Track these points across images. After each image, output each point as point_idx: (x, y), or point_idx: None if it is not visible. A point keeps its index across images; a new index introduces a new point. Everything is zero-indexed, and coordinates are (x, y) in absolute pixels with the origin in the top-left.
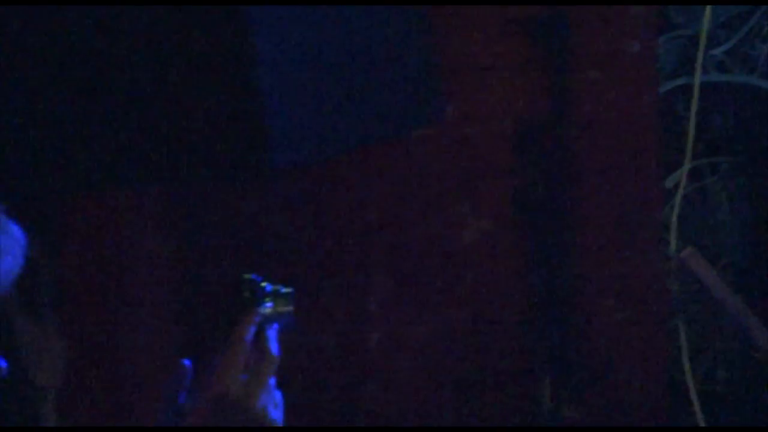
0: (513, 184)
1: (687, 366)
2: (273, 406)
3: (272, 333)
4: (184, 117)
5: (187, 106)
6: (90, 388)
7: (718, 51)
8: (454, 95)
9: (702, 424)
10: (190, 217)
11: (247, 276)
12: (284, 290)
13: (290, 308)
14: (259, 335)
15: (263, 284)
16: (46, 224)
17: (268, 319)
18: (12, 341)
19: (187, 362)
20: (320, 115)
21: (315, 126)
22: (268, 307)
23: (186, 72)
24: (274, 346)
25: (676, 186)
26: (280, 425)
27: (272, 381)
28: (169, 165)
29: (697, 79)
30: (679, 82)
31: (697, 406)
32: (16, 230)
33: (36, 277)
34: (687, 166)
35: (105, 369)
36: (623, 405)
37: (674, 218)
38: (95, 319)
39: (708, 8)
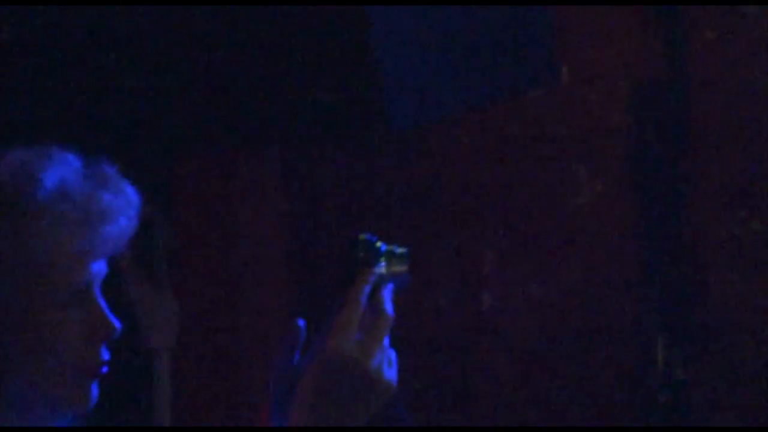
0: (628, 145)
1: None
2: (387, 365)
3: (387, 293)
4: (306, 82)
5: (310, 72)
6: (204, 349)
7: None
8: (569, 56)
9: None
10: (307, 179)
11: (362, 236)
12: (399, 250)
13: (405, 268)
14: (374, 295)
15: (378, 244)
16: (162, 185)
17: (383, 279)
18: (126, 303)
19: (301, 322)
20: (436, 78)
21: (431, 88)
22: (382, 267)
23: (311, 40)
24: (388, 306)
25: None
26: (395, 385)
27: (387, 340)
28: (289, 127)
29: None
30: None
31: None
32: (130, 191)
33: (150, 238)
34: None
35: (219, 330)
36: (736, 368)
37: None
38: (209, 281)
39: None
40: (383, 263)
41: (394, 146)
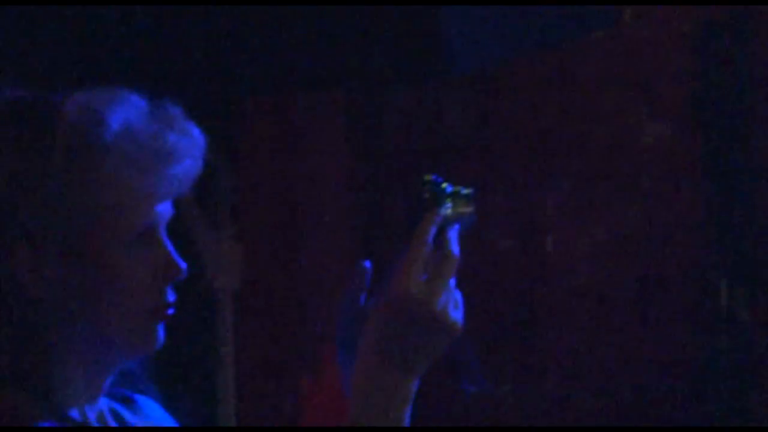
0: (691, 86)
1: None
2: (454, 306)
3: (453, 234)
4: (371, 25)
5: (373, 13)
6: (267, 291)
7: None
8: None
9: None
10: (371, 121)
11: (428, 177)
12: (465, 191)
13: (470, 209)
14: (440, 236)
15: (444, 185)
16: (226, 128)
17: (448, 220)
18: (191, 244)
19: (367, 264)
20: (497, 21)
21: (492, 31)
22: (448, 208)
23: None
24: (454, 247)
25: None
26: (461, 326)
27: (453, 281)
28: (355, 70)
29: None
30: None
31: None
32: (196, 132)
33: (213, 181)
34: None
35: (282, 273)
36: None
37: None
38: (272, 223)
39: None
40: (449, 204)
41: (457, 88)
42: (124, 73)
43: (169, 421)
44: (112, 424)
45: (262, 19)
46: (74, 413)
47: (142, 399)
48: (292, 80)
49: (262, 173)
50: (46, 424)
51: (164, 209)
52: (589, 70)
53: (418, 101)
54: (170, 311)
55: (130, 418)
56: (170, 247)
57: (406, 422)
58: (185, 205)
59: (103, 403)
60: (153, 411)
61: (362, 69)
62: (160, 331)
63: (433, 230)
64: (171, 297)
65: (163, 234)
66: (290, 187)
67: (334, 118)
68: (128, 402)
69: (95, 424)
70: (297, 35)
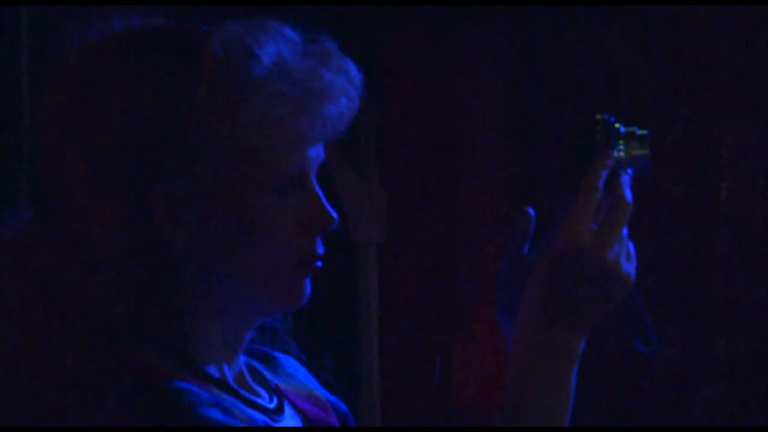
0: None
1: None
2: (626, 257)
3: (626, 179)
4: None
5: None
6: (413, 243)
7: None
8: None
9: None
10: (531, 54)
11: (599, 116)
12: (639, 132)
13: (645, 152)
14: (612, 181)
15: (617, 125)
16: (372, 66)
17: (621, 164)
18: (332, 194)
19: (531, 211)
20: None
21: None
22: (621, 150)
23: None
24: (628, 193)
25: None
26: (633, 279)
27: (625, 231)
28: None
29: None
30: None
31: None
32: (352, 69)
33: (358, 125)
34: None
35: (430, 224)
36: None
37: None
38: (420, 170)
39: None
40: (622, 146)
41: (622, 22)
42: (270, 7)
43: (310, 381)
44: (251, 382)
45: None
46: (212, 370)
47: (282, 357)
48: (443, 16)
49: (410, 115)
50: (183, 382)
51: (316, 153)
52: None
53: (580, 33)
54: (318, 264)
55: (270, 378)
56: (321, 194)
57: (572, 384)
58: (326, 149)
59: (242, 361)
60: (294, 370)
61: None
62: (307, 285)
63: (604, 174)
64: (320, 249)
65: (314, 180)
66: (440, 130)
67: (487, 56)
68: (268, 360)
69: (232, 383)
70: None
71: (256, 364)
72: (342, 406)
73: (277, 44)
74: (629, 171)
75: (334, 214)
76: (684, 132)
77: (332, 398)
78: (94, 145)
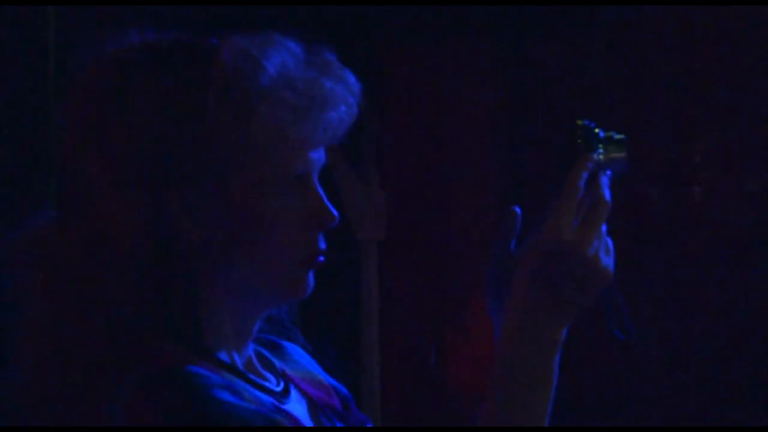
0: None
1: None
2: (605, 252)
3: (605, 179)
4: None
5: None
6: (411, 241)
7: None
8: None
9: None
10: (516, 70)
11: (580, 122)
12: (617, 136)
13: (623, 154)
14: (592, 182)
15: (597, 130)
16: (372, 77)
17: (600, 166)
18: (335, 193)
19: (517, 209)
20: None
21: None
22: (601, 153)
23: None
24: (606, 193)
25: None
26: (612, 273)
27: (604, 227)
28: (495, 21)
29: None
30: None
31: None
32: (351, 78)
33: (359, 128)
34: None
35: (427, 223)
36: None
37: None
38: (417, 172)
39: None
40: (601, 149)
41: (603, 35)
42: (275, 21)
43: (314, 367)
44: (259, 368)
45: None
46: (223, 356)
47: (288, 345)
48: (439, 30)
49: (408, 121)
50: (196, 367)
51: (318, 156)
52: (742, 15)
53: (564, 48)
54: (321, 259)
55: (277, 364)
56: (323, 194)
57: (554, 370)
58: (329, 152)
59: (251, 348)
60: (299, 357)
61: (507, 18)
62: (310, 278)
63: (585, 175)
64: (322, 244)
65: (316, 181)
66: (436, 136)
67: (479, 67)
68: (275, 347)
69: (242, 369)
70: None
71: (264, 351)
72: (344, 390)
73: (282, 56)
74: (608, 172)
75: (335, 213)
76: (659, 137)
77: (335, 383)
78: (113, 151)
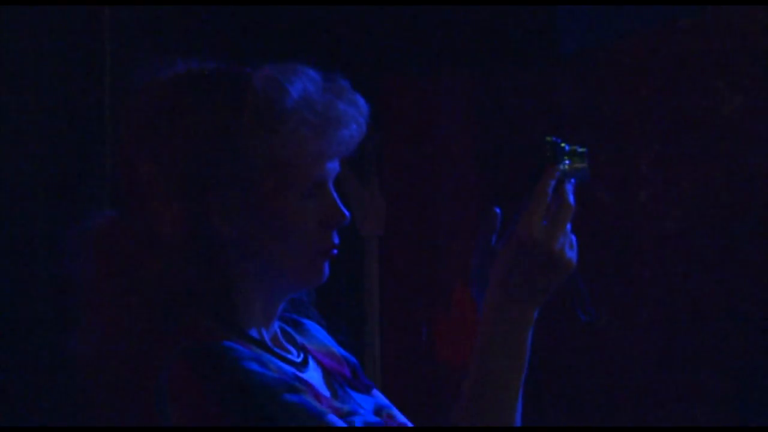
0: (764, 65)
1: None
2: (569, 247)
3: (569, 186)
4: (487, 14)
5: (488, 7)
6: (407, 235)
7: None
8: None
9: None
10: (492, 98)
11: (549, 138)
12: (580, 149)
13: (585, 165)
14: (559, 188)
15: (563, 144)
16: (374, 101)
17: (566, 175)
18: (343, 197)
19: (497, 210)
20: (598, 10)
21: (594, 16)
22: (566, 164)
23: None
24: (571, 197)
25: None
26: (575, 263)
27: (569, 226)
28: (476, 54)
29: None
30: None
31: None
32: (361, 101)
33: (363, 144)
34: None
35: (420, 220)
36: None
37: None
38: (412, 179)
39: None
40: (567, 161)
41: (563, 68)
42: (300, 53)
43: (328, 341)
44: (283, 342)
45: (397, 17)
46: (253, 332)
47: (308, 322)
48: (430, 62)
49: (403, 138)
50: (230, 342)
51: (333, 166)
52: (677, 51)
53: (534, 78)
54: (335, 251)
55: (298, 339)
56: (337, 198)
57: (527, 345)
58: (340, 163)
59: (276, 325)
60: (316, 332)
61: (486, 52)
62: (326, 268)
63: (552, 183)
64: (335, 239)
65: (331, 187)
66: (427, 149)
67: (463, 92)
68: (297, 325)
69: (269, 343)
70: (426, 26)
71: (287, 328)
72: (353, 359)
73: (303, 82)
74: (572, 180)
75: (347, 213)
76: (612, 150)
77: (345, 353)
78: (162, 160)
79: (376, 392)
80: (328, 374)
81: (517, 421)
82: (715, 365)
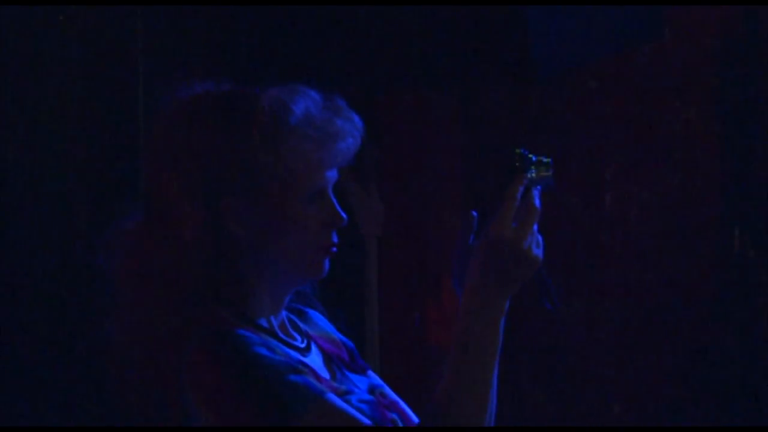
0: (715, 85)
1: None
2: (536, 245)
3: (536, 192)
4: (471, 39)
5: (470, 33)
6: (401, 235)
7: None
8: (672, 17)
9: None
10: (474, 113)
11: (517, 150)
12: (545, 160)
13: (550, 173)
14: (526, 194)
15: (530, 156)
16: (371, 115)
17: (533, 182)
18: (346, 201)
19: (474, 213)
20: (569, 33)
21: (564, 43)
22: (533, 172)
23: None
24: (537, 202)
25: None
26: (541, 260)
27: (535, 227)
28: (460, 75)
29: None
30: None
31: None
32: (356, 118)
33: (364, 154)
34: None
35: (414, 222)
36: None
37: None
38: (405, 185)
39: None
40: (533, 170)
41: (538, 85)
42: (302, 75)
43: (329, 328)
44: (289, 329)
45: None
46: (262, 321)
47: (311, 312)
48: (419, 82)
49: (398, 150)
50: (242, 330)
51: (332, 174)
52: (638, 73)
53: (508, 97)
54: (334, 249)
55: (303, 326)
56: (336, 202)
57: (500, 331)
58: (342, 172)
59: (283, 315)
60: (318, 320)
61: (468, 72)
62: (326, 263)
63: (521, 189)
64: (335, 238)
65: (330, 193)
66: (418, 161)
67: (448, 108)
68: (302, 314)
69: (277, 331)
70: (416, 50)
71: (293, 317)
72: (350, 343)
73: (305, 102)
74: (539, 187)
75: (345, 216)
76: (580, 160)
77: (344, 339)
78: (182, 171)
79: (370, 373)
80: (328, 358)
81: (493, 395)
82: (669, 352)
